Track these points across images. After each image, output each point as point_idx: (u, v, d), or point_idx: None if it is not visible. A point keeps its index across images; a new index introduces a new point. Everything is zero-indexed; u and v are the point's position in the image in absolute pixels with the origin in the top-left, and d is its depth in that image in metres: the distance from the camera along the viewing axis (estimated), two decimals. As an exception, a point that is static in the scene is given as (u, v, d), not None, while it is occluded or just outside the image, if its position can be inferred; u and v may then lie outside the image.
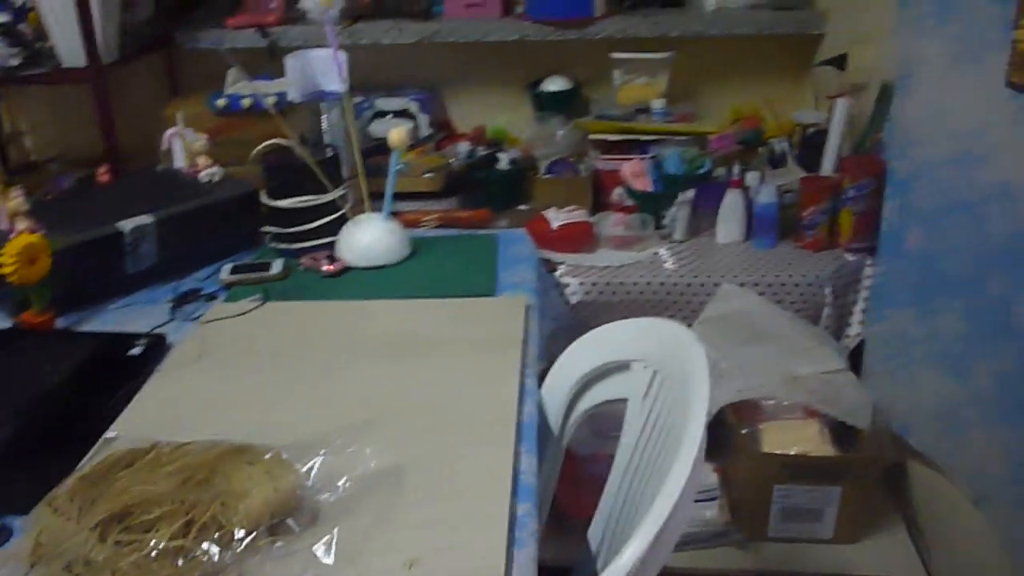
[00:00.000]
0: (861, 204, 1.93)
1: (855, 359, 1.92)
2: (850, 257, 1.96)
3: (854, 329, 1.97)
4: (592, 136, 2.28)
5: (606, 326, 1.28)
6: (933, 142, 1.68)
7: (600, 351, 1.27)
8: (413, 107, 2.42)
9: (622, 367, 1.24)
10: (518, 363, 1.20)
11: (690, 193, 2.07)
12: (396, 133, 1.49)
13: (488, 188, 2.22)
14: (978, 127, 1.54)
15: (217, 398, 1.14)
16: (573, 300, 1.92)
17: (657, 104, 2.31)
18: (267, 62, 2.11)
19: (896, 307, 1.82)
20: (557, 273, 1.94)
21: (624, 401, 1.23)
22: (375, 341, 1.29)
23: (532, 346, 1.29)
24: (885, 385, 1.84)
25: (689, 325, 1.72)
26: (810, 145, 2.12)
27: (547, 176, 2.25)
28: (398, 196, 1.69)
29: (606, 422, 1.29)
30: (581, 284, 1.92)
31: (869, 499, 1.81)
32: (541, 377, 1.28)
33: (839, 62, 2.10)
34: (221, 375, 1.20)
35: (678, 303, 1.92)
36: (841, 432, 1.77)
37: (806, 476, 1.75)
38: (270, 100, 1.79)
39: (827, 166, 2.07)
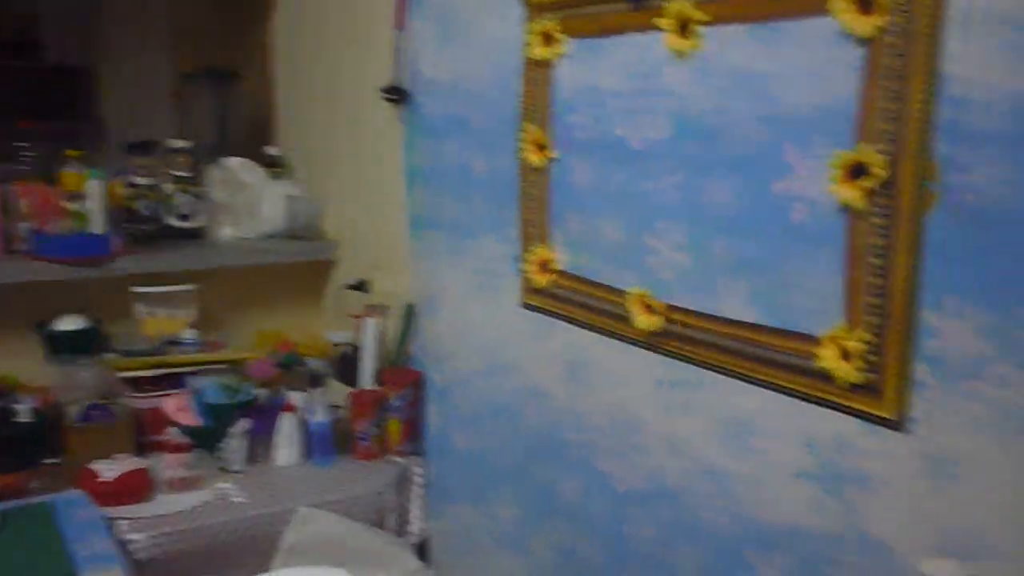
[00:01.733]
0: (406, 412, 2.14)
1: (421, 555, 2.07)
2: (403, 461, 2.14)
3: (416, 527, 2.13)
4: (123, 374, 2.18)
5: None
6: (464, 355, 1.97)
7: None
8: None
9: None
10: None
11: (244, 422, 2.08)
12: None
13: (9, 446, 1.97)
14: (502, 341, 1.86)
15: None
16: (144, 557, 1.78)
17: (187, 335, 2.31)
18: None
19: (453, 502, 2.03)
20: (120, 531, 1.78)
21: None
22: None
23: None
24: (458, 574, 2.02)
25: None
26: (346, 362, 2.29)
27: (80, 424, 2.07)
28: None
29: None
30: (151, 538, 1.79)
31: None
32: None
33: (361, 287, 2.34)
34: None
35: (257, 537, 1.89)
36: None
37: None
38: None
39: (366, 380, 2.25)
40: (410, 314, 2.18)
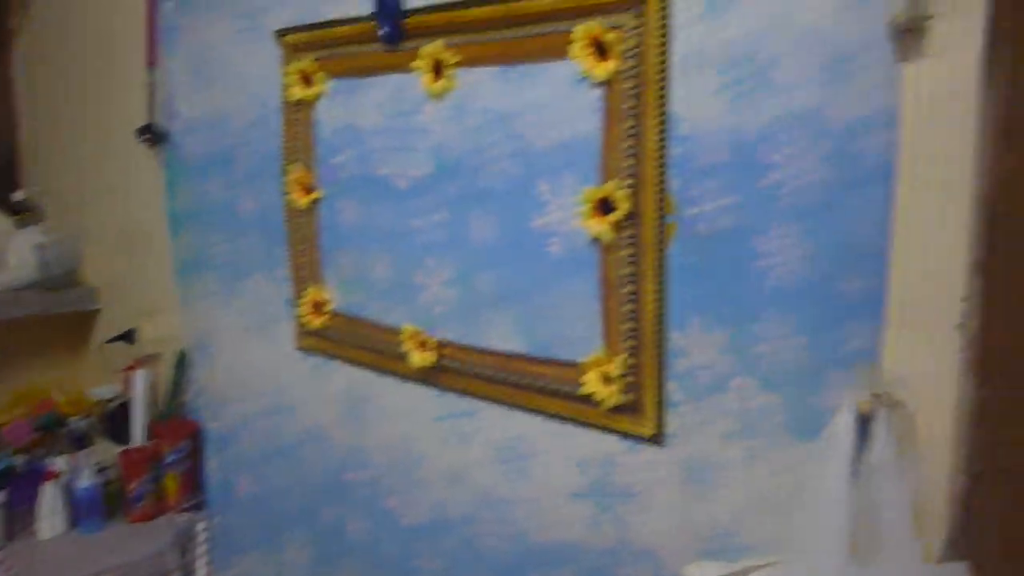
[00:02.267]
0: (183, 465, 2.03)
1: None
2: (184, 518, 2.04)
3: (202, 585, 2.03)
4: None
5: None
6: (243, 400, 1.90)
7: None
8: None
9: None
10: None
11: (0, 495, 1.91)
12: None
13: None
14: (281, 384, 1.81)
15: None
16: None
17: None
18: None
19: (241, 552, 1.96)
20: None
21: None
22: None
23: None
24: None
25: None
26: (115, 418, 2.15)
27: None
28: None
29: None
30: None
31: None
32: None
33: (128, 337, 2.21)
34: None
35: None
36: None
37: None
38: None
39: (137, 436, 2.12)
40: (182, 362, 2.08)
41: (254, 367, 1.87)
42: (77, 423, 2.15)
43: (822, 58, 1.01)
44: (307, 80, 1.61)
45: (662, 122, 1.14)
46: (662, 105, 1.14)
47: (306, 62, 1.60)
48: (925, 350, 0.98)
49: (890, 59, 0.96)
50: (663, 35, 1.13)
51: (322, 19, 1.56)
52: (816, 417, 1.07)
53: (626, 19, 1.16)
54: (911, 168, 0.97)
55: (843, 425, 0.99)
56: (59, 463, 2.01)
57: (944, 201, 0.96)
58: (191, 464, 2.04)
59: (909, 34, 0.94)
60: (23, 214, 2.46)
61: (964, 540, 0.98)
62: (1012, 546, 0.97)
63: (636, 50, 1.15)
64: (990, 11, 0.90)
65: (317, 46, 1.58)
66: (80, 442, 2.12)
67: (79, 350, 2.45)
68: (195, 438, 2.03)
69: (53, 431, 2.12)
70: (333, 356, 1.68)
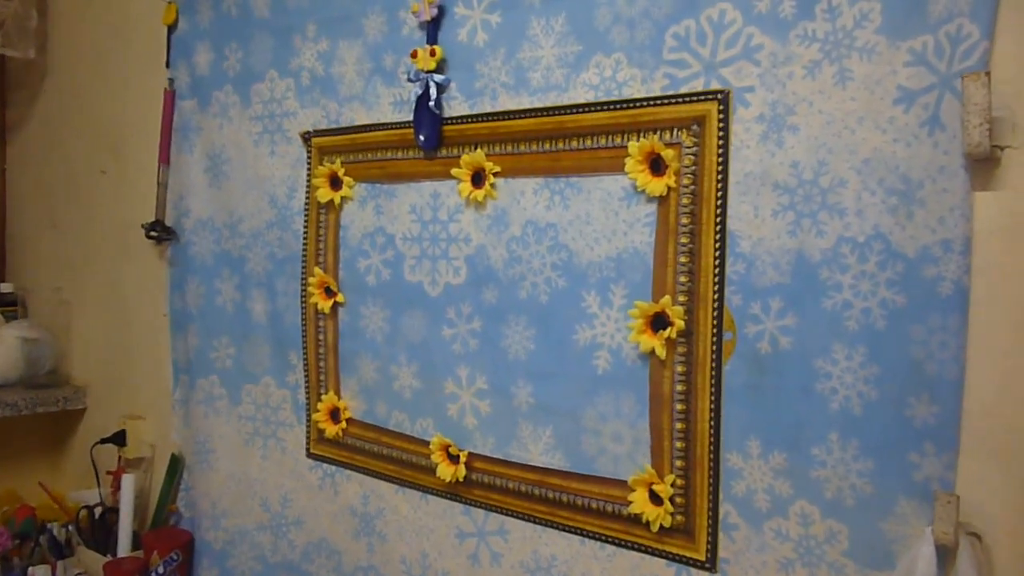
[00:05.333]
0: (173, 579, 1.92)
1: None
2: (169, 635, 1.91)
3: None
4: None
5: None
6: (244, 511, 1.81)
7: None
8: None
9: None
10: None
11: (-27, 610, 1.78)
12: None
13: None
14: (287, 494, 1.74)
15: None
16: None
17: None
18: None
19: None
20: None
21: None
22: None
23: None
24: None
25: None
26: (99, 526, 2.04)
27: None
28: None
29: None
30: None
31: None
32: None
33: (119, 439, 2.11)
34: None
35: None
36: None
37: None
38: None
39: (124, 544, 2.01)
40: (176, 467, 1.99)
41: (258, 475, 1.79)
42: (58, 530, 2.03)
43: (891, 183, 1.01)
44: (335, 183, 1.59)
45: (719, 238, 1.14)
46: (720, 222, 1.14)
47: (336, 165, 1.58)
48: (1002, 479, 0.96)
49: (963, 187, 0.97)
50: (722, 153, 1.13)
51: (351, 124, 1.56)
52: (882, 546, 1.04)
53: (683, 136, 1.16)
54: (985, 294, 0.97)
55: (925, 557, 0.96)
56: (37, 573, 1.89)
57: (1019, 326, 0.95)
58: (181, 577, 1.93)
59: (983, 163, 0.96)
60: (7, 308, 2.38)
61: None
62: None
63: (693, 167, 1.15)
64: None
65: (347, 150, 1.57)
66: (60, 551, 2.00)
67: (63, 451, 2.34)
68: (187, 550, 1.93)
69: (32, 539, 2.01)
70: (349, 466, 1.61)
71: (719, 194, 1.14)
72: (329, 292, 1.61)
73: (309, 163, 1.64)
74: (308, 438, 1.69)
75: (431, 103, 1.42)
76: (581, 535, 1.30)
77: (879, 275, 1.03)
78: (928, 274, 1.00)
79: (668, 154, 1.17)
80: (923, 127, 0.99)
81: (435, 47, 1.42)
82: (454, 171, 1.40)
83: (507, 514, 1.38)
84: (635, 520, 1.23)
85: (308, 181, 1.64)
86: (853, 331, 1.05)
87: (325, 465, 1.66)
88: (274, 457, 1.75)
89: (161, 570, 1.92)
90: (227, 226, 1.81)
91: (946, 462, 1.00)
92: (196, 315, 1.89)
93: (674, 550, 1.21)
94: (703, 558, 1.18)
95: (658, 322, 1.19)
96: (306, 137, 1.64)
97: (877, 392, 1.04)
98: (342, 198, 1.58)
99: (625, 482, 1.24)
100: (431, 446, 1.46)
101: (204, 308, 1.87)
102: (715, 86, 1.14)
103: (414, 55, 1.43)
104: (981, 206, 0.97)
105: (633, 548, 1.25)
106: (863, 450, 1.05)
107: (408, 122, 1.46)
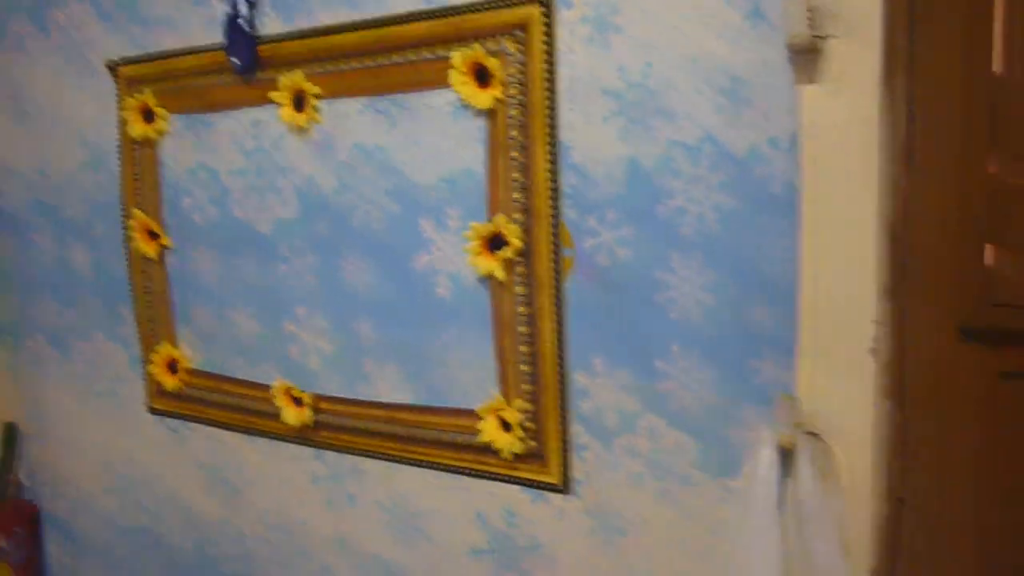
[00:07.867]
0: (19, 554, 1.80)
1: None
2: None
3: None
4: None
5: None
6: (87, 475, 1.70)
7: None
8: None
9: None
10: None
11: None
12: None
13: None
14: (130, 453, 1.63)
15: None
16: None
17: None
18: None
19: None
20: None
21: None
22: None
23: None
24: None
25: None
26: (-69, 506, 1.88)
27: None
28: None
29: None
30: None
31: None
32: None
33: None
34: None
35: None
36: None
37: None
38: None
39: (-40, 524, 1.86)
40: (11, 437, 1.84)
41: (98, 437, 1.67)
42: None
43: (719, 81, 0.97)
44: (148, 116, 1.45)
45: (551, 151, 1.08)
46: (552, 134, 1.08)
47: (146, 96, 1.44)
48: (840, 378, 0.96)
49: (787, 81, 0.94)
50: (548, 60, 1.06)
51: (161, 50, 1.42)
52: (731, 453, 1.03)
53: (508, 44, 1.09)
54: (814, 193, 0.94)
55: (765, 460, 0.95)
56: None
57: (849, 226, 0.93)
58: (29, 551, 1.80)
59: (806, 56, 0.92)
60: None
61: (890, 567, 0.96)
62: (935, 570, 0.96)
63: (520, 77, 1.09)
64: (886, 32, 0.89)
65: (158, 79, 1.43)
66: None
67: None
68: (33, 523, 1.80)
69: None
70: (192, 418, 1.51)
71: (548, 103, 1.07)
72: (153, 235, 1.49)
73: (118, 95, 1.49)
74: (147, 393, 1.58)
75: (241, 21, 1.30)
76: (435, 469, 1.25)
77: (711, 178, 0.99)
78: (759, 174, 0.97)
79: (493, 63, 1.10)
80: (746, 20, 0.95)
81: (241, -41, 1.29)
82: (272, 95, 1.30)
83: (359, 454, 1.33)
84: (487, 449, 1.19)
85: (118, 115, 1.50)
86: (688, 237, 1.01)
87: (168, 420, 1.56)
88: (113, 416, 1.64)
89: (5, 545, 1.79)
90: (36, 171, 1.65)
91: (785, 365, 0.98)
92: (13, 271, 1.73)
93: (527, 475, 1.17)
94: (557, 481, 1.15)
95: (495, 243, 1.13)
96: (112, 67, 1.49)
97: (714, 299, 1.01)
98: (158, 132, 1.45)
99: (474, 411, 1.20)
100: (272, 391, 1.38)
101: (21, 263, 1.72)
102: (537, -13, 1.07)
103: (219, -31, 1.31)
104: (806, 100, 0.94)
105: (487, 477, 1.21)
106: (705, 359, 1.03)
107: (221, 44, 1.34)
